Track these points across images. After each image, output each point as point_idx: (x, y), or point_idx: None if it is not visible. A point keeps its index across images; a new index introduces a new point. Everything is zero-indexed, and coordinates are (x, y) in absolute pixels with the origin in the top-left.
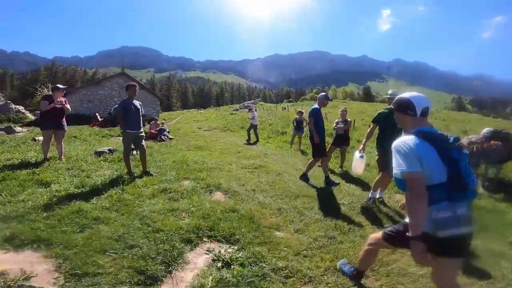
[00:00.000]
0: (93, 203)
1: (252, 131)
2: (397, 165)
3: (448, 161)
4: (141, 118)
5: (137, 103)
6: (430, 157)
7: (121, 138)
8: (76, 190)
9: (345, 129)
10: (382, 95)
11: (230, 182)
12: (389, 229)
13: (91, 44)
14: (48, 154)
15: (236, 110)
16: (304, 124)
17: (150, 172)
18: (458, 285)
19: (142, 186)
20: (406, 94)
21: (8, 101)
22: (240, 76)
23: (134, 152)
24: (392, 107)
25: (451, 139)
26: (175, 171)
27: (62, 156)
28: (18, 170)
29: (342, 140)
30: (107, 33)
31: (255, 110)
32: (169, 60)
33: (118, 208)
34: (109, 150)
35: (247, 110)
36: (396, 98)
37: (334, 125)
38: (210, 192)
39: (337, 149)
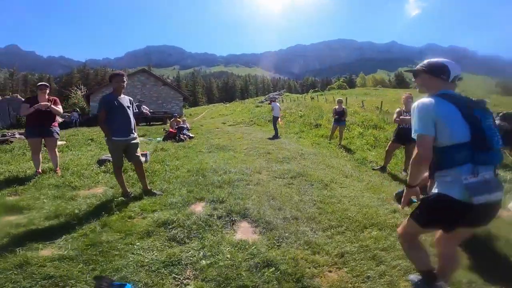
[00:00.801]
0: (55, 247)
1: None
2: (413, 125)
3: (470, 120)
4: (132, 119)
5: (126, 99)
6: (452, 115)
7: (139, 138)
8: (45, 223)
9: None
10: None
11: (261, 203)
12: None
13: (119, 46)
14: (41, 166)
15: (262, 102)
16: (344, 115)
17: (153, 191)
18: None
19: (137, 214)
20: (442, 59)
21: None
22: (263, 68)
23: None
24: (421, 69)
25: (475, 100)
26: (187, 187)
27: (58, 168)
28: None
29: (408, 135)
30: (132, 34)
31: (276, 101)
32: (193, 57)
33: (88, 259)
34: None
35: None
36: (428, 61)
37: (395, 116)
38: (232, 224)
39: (401, 147)
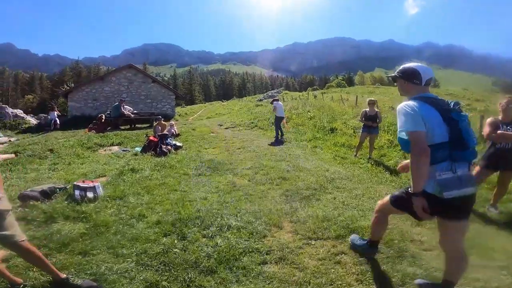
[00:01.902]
0: None
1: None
2: (403, 125)
3: (449, 122)
4: None
5: None
6: (432, 117)
7: (113, 149)
8: None
9: None
10: None
11: None
12: (396, 193)
13: (116, 44)
14: None
15: (260, 100)
16: (377, 121)
17: (74, 283)
18: (464, 250)
19: None
20: (413, 64)
21: (4, 105)
22: (261, 66)
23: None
24: (397, 75)
25: (451, 103)
26: (147, 272)
27: None
28: None
29: (508, 158)
30: (130, 32)
31: (278, 100)
32: (190, 55)
33: None
34: (45, 192)
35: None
36: (402, 67)
37: (489, 130)
38: None
39: (493, 173)
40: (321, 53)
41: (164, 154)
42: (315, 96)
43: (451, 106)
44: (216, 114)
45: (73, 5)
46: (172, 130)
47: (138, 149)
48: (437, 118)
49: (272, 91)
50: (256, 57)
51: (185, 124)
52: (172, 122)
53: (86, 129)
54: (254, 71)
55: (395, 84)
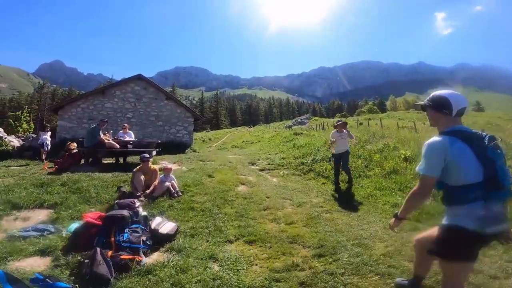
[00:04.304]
0: None
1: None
2: (421, 165)
3: (484, 161)
4: None
5: None
6: (465, 156)
7: (32, 218)
8: None
9: None
10: None
11: None
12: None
13: (151, 66)
14: None
15: (290, 126)
16: None
17: None
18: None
19: None
20: (444, 92)
21: None
22: (286, 91)
23: None
24: (425, 103)
25: (486, 138)
26: None
27: None
28: None
29: None
30: (165, 55)
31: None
32: (218, 78)
33: None
34: None
35: (313, 125)
36: (432, 95)
37: None
38: None
39: None
40: (347, 77)
41: (100, 284)
42: (360, 123)
43: (486, 141)
44: (243, 142)
45: (117, 26)
46: (168, 183)
47: (75, 225)
48: (471, 157)
49: (301, 117)
50: (281, 82)
51: (201, 161)
52: (169, 166)
53: (45, 163)
54: (279, 96)
55: (425, 113)
